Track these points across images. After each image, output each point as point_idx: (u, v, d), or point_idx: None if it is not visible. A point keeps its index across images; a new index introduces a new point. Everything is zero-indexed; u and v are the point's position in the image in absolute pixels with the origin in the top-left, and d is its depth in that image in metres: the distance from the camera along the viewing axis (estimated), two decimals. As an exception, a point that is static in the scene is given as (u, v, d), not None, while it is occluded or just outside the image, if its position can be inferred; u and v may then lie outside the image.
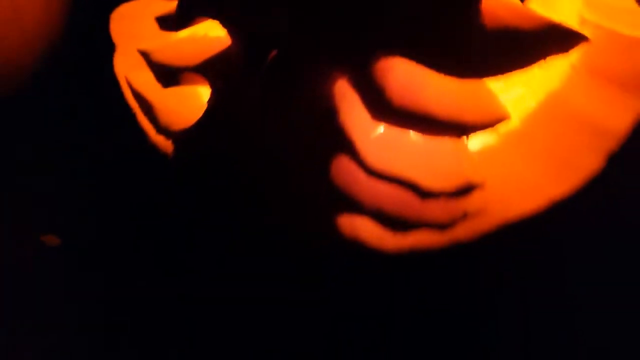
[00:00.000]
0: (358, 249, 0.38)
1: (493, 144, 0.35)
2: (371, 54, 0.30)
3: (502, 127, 0.33)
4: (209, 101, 0.36)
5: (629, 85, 0.36)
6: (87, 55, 0.55)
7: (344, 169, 0.34)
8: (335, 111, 0.32)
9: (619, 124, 0.36)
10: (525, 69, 0.29)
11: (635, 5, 0.32)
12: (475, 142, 0.35)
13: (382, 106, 0.30)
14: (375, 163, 0.33)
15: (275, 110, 0.34)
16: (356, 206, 0.35)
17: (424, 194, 0.33)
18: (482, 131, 0.31)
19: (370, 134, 0.33)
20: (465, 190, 0.33)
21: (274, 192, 0.37)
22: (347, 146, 0.33)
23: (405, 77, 0.30)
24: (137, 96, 0.42)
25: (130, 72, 0.43)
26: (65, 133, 0.54)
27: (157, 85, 0.41)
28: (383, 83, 0.30)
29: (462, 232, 0.36)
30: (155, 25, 0.41)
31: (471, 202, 0.34)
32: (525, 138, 0.36)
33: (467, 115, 0.31)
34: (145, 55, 0.39)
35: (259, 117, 0.35)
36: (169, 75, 0.37)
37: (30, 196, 0.50)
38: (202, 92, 0.41)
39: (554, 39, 0.29)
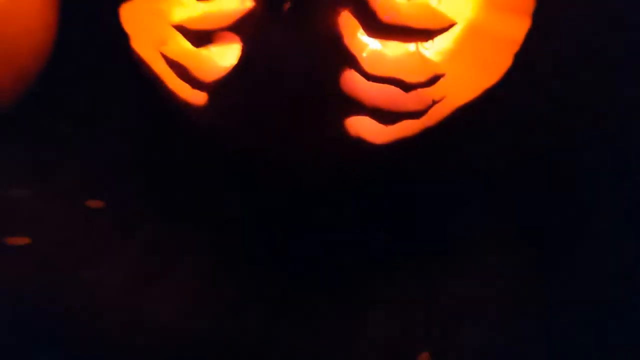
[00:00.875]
0: (360, 144, 0.52)
1: (444, 50, 0.51)
2: None
3: (448, 37, 0.49)
4: (242, 50, 0.50)
5: (518, 8, 0.54)
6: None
7: (349, 79, 0.49)
8: (340, 36, 0.47)
9: (517, 35, 0.54)
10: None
11: None
12: (432, 49, 0.51)
13: (375, 25, 0.46)
14: (372, 71, 0.48)
15: (295, 45, 0.49)
16: (359, 106, 0.50)
17: (407, 87, 0.48)
18: (438, 36, 0.47)
19: (366, 51, 0.48)
20: (434, 79, 0.49)
21: (297, 109, 0.51)
22: (351, 61, 0.48)
23: (389, 4, 0.46)
24: (172, 63, 0.54)
25: (159, 48, 0.55)
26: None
27: (189, 51, 0.54)
28: (376, 9, 0.46)
29: (430, 118, 0.52)
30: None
31: (436, 91, 0.50)
32: (462, 47, 0.53)
33: (431, 23, 0.47)
34: (180, 27, 0.52)
35: (282, 54, 0.49)
36: (204, 37, 0.51)
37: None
38: (226, 51, 0.54)
39: None
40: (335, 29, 0.46)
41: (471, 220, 0.55)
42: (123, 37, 0.57)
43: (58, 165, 0.58)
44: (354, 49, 0.47)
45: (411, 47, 0.50)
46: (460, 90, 0.51)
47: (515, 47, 0.52)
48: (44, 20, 0.60)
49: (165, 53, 0.54)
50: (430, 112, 0.50)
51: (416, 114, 0.50)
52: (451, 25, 0.46)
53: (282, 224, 0.55)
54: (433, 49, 0.51)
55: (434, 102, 0.50)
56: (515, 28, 0.52)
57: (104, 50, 0.64)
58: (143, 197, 0.56)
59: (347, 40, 0.47)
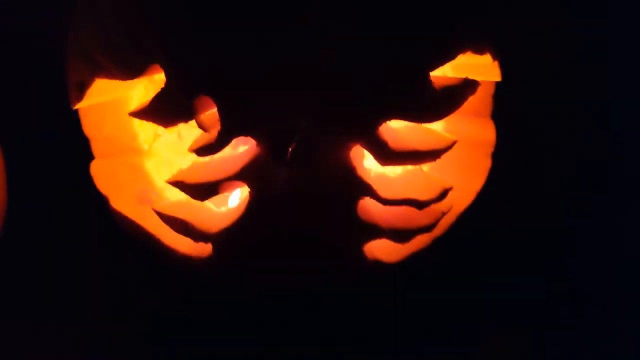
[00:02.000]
0: (377, 266, 0.53)
1: (434, 164, 0.54)
2: (374, 125, 0.47)
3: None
4: (251, 196, 0.49)
5: (483, 112, 0.58)
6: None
7: (365, 207, 0.50)
8: (353, 169, 0.48)
9: (489, 136, 0.58)
10: (454, 111, 0.49)
11: (490, 59, 0.53)
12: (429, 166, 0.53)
13: (388, 154, 0.47)
14: (386, 195, 0.49)
15: (304, 184, 0.49)
16: (376, 230, 0.50)
17: (420, 205, 0.50)
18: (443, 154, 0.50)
19: (374, 173, 0.49)
20: (444, 194, 0.50)
21: (314, 246, 0.50)
22: (365, 190, 0.49)
23: (395, 133, 0.48)
24: (168, 219, 0.52)
25: (152, 205, 0.53)
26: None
27: (184, 204, 0.52)
28: (386, 139, 0.47)
29: (439, 229, 0.54)
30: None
31: (444, 203, 0.52)
32: (448, 158, 0.55)
33: (435, 145, 0.49)
34: (177, 183, 0.50)
35: (292, 195, 0.49)
36: (210, 189, 0.49)
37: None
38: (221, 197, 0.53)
39: (465, 88, 0.49)
40: (347, 163, 0.47)
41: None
42: (99, 198, 0.54)
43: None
44: (366, 178, 0.48)
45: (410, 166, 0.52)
46: (459, 197, 0.53)
47: (489, 148, 0.56)
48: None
49: (159, 210, 0.51)
50: (439, 223, 0.52)
51: (428, 228, 0.51)
52: (454, 143, 0.49)
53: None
54: (426, 166, 0.53)
55: (443, 214, 0.51)
56: (483, 131, 0.56)
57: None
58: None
59: (360, 171, 0.47)
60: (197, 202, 0.51)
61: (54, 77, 0.54)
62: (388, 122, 0.46)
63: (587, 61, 0.66)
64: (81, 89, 0.51)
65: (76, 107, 0.53)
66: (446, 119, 0.51)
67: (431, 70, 0.45)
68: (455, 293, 0.57)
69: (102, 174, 0.52)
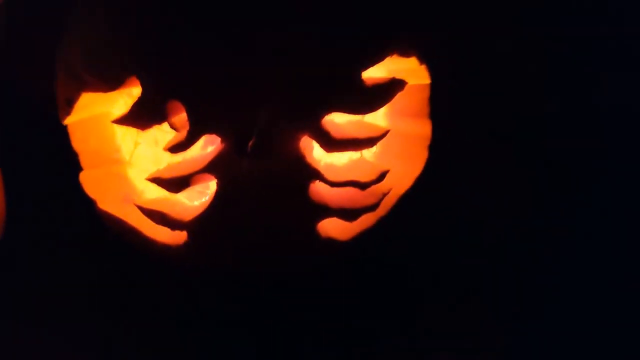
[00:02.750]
0: (330, 243, 0.61)
1: (376, 153, 0.63)
2: (317, 117, 0.56)
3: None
4: (218, 186, 0.58)
5: (420, 113, 0.68)
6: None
7: (316, 189, 0.59)
8: (303, 156, 0.57)
9: (424, 132, 0.67)
10: (384, 105, 0.58)
11: (417, 63, 0.63)
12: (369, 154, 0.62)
13: (331, 142, 0.56)
14: (333, 179, 0.58)
15: (264, 172, 0.58)
16: (327, 210, 0.59)
17: (363, 186, 0.59)
18: (379, 142, 0.59)
19: (324, 163, 0.58)
20: (382, 176, 0.60)
21: (273, 227, 0.59)
22: (315, 174, 0.58)
23: (337, 126, 0.57)
24: (149, 212, 0.60)
25: (130, 203, 0.61)
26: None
27: (160, 199, 0.61)
28: (328, 129, 0.57)
29: (383, 209, 0.63)
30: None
31: (385, 185, 0.61)
32: (389, 149, 0.65)
33: (372, 132, 0.59)
34: (155, 179, 0.59)
35: (254, 183, 0.58)
36: (182, 182, 0.58)
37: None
38: (193, 192, 0.62)
39: (393, 86, 0.59)
40: (298, 151, 0.56)
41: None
42: (87, 202, 0.63)
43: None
44: (315, 165, 0.57)
45: (355, 155, 0.61)
46: (399, 181, 0.62)
47: (426, 142, 0.65)
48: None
49: (141, 204, 0.60)
50: (382, 204, 0.61)
51: (372, 207, 0.60)
52: (387, 132, 0.58)
53: (265, 330, 0.60)
54: (370, 155, 0.62)
55: (384, 195, 0.60)
56: (421, 129, 0.65)
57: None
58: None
59: (309, 159, 0.56)
60: (173, 197, 0.59)
61: (48, 97, 0.63)
62: (331, 116, 0.55)
63: (518, 65, 0.76)
64: (69, 104, 0.59)
65: (65, 122, 0.61)
66: (390, 118, 0.60)
67: (363, 70, 0.55)
68: (400, 269, 0.65)
69: (89, 181, 0.59)
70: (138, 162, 0.59)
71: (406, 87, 0.60)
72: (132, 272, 0.63)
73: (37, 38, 0.67)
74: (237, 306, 0.61)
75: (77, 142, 0.61)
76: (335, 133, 0.55)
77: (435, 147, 0.64)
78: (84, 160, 0.59)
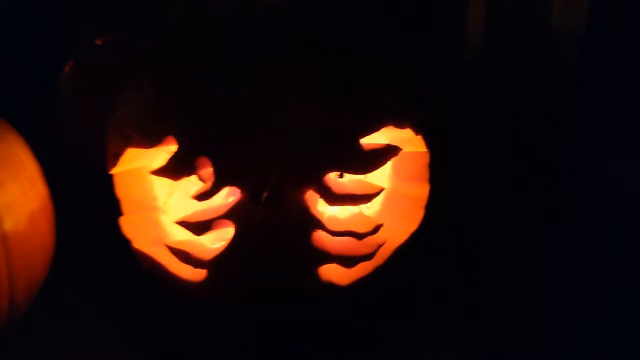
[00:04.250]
0: (330, 287, 0.70)
1: (376, 210, 0.73)
2: (320, 175, 0.67)
3: (377, 201, 0.71)
4: (236, 230, 0.68)
5: (418, 177, 0.77)
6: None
7: (318, 237, 0.68)
8: (308, 207, 0.67)
9: (422, 194, 0.77)
10: (379, 167, 0.69)
11: (413, 134, 0.73)
12: (369, 211, 0.72)
13: (332, 196, 0.67)
14: (334, 228, 0.68)
15: (274, 220, 0.68)
16: (327, 256, 0.68)
17: (360, 236, 0.68)
18: (374, 198, 0.69)
19: (324, 217, 0.68)
20: (377, 228, 0.69)
21: (281, 268, 0.68)
22: (317, 224, 0.68)
23: (338, 183, 0.68)
24: (175, 251, 0.71)
25: (160, 243, 0.72)
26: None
27: (186, 240, 0.71)
28: (330, 186, 0.67)
29: (378, 259, 0.72)
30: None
31: (379, 237, 0.71)
32: (387, 207, 0.75)
33: (369, 190, 0.69)
34: (182, 222, 0.70)
35: (266, 229, 0.68)
36: (205, 226, 0.69)
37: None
38: (214, 237, 0.72)
39: (387, 151, 0.69)
40: (303, 203, 0.66)
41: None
42: (124, 242, 0.74)
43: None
44: (318, 216, 0.67)
45: (355, 209, 0.71)
46: (394, 235, 0.71)
47: (423, 202, 0.75)
48: (50, 234, 0.70)
49: (169, 244, 0.71)
50: (377, 254, 0.70)
51: (368, 257, 0.69)
52: (381, 190, 0.68)
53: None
54: (370, 210, 0.72)
55: (380, 246, 0.69)
56: (419, 191, 0.75)
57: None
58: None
59: (313, 210, 0.66)
60: (197, 240, 0.70)
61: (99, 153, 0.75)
62: (332, 174, 0.66)
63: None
64: (116, 157, 0.72)
65: (111, 172, 0.73)
66: (393, 180, 0.70)
67: (361, 138, 0.66)
68: (395, 314, 0.71)
69: (127, 224, 0.68)
70: (170, 209, 0.65)
71: (408, 154, 0.70)
72: (157, 305, 0.70)
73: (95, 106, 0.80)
74: (245, 339, 0.69)
75: (121, 190, 0.70)
76: (337, 189, 0.65)
77: (431, 206, 0.73)
78: (125, 206, 0.67)
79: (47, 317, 0.70)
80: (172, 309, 0.67)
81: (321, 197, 0.64)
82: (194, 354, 0.67)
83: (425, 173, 0.71)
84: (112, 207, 0.66)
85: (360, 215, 0.68)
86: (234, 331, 0.70)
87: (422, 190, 0.71)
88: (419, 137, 0.69)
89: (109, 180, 0.71)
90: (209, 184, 0.64)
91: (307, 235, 0.65)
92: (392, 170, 0.71)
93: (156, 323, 0.67)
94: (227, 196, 0.69)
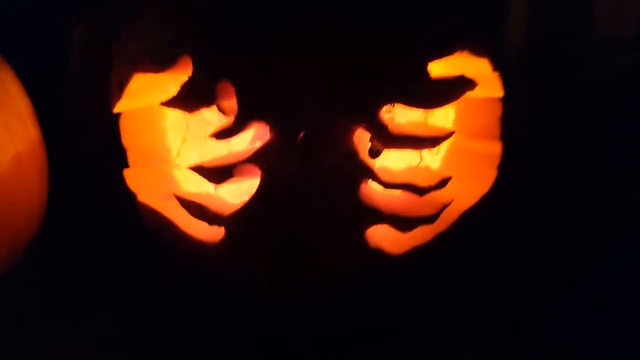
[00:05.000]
0: (378, 255, 0.55)
1: (437, 168, 0.57)
2: (374, 108, 0.52)
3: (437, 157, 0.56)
4: (262, 179, 0.54)
5: (488, 132, 0.62)
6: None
7: (367, 191, 0.53)
8: (356, 152, 0.52)
9: (495, 151, 0.61)
10: (448, 103, 0.53)
11: (489, 68, 0.58)
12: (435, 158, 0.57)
13: (386, 135, 0.52)
14: (389, 179, 0.53)
15: (312, 168, 0.53)
16: (378, 215, 0.53)
17: (421, 191, 0.53)
18: (441, 144, 0.54)
19: (380, 167, 0.53)
20: (443, 182, 0.54)
21: (319, 229, 0.54)
22: (368, 172, 0.53)
23: (395, 123, 0.52)
24: (187, 204, 0.57)
25: (170, 196, 0.58)
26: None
27: (200, 193, 0.57)
28: (386, 122, 0.52)
29: (441, 223, 0.57)
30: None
31: (445, 194, 0.55)
32: (452, 163, 0.59)
33: (434, 132, 0.53)
34: (197, 168, 0.56)
35: (301, 179, 0.53)
36: (225, 172, 0.54)
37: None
38: (235, 189, 0.58)
39: (461, 83, 0.54)
40: (351, 146, 0.51)
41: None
42: (128, 195, 0.59)
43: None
44: (369, 162, 0.52)
45: (415, 160, 0.56)
46: (462, 196, 0.56)
47: (495, 161, 0.59)
48: (40, 184, 0.60)
49: (180, 195, 0.56)
50: (440, 217, 0.55)
51: (430, 219, 0.54)
52: (451, 133, 0.53)
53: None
54: (431, 162, 0.56)
55: (444, 207, 0.54)
56: (490, 148, 0.59)
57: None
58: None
59: (362, 155, 0.51)
60: (214, 193, 0.56)
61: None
62: (389, 112, 0.51)
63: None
64: (121, 87, 0.58)
65: (117, 109, 0.59)
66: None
67: (430, 61, 0.51)
68: (455, 292, 0.58)
69: (132, 176, 0.56)
70: (184, 161, 0.56)
71: (478, 101, 0.55)
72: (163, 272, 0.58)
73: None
74: (269, 318, 0.55)
75: (127, 138, 0.59)
76: (393, 128, 0.50)
77: (506, 167, 0.57)
78: (132, 157, 0.56)
79: (41, 280, 0.61)
80: (181, 279, 0.58)
81: (375, 136, 0.49)
82: (200, 334, 0.53)
83: (496, 128, 0.57)
84: (117, 158, 0.57)
85: (422, 168, 0.52)
86: (253, 313, 0.55)
87: (493, 148, 0.57)
88: (496, 75, 0.53)
89: (114, 125, 0.58)
90: (231, 119, 0.50)
91: (354, 187, 0.50)
92: (457, 119, 0.57)
93: (162, 293, 0.58)
94: (254, 140, 0.54)
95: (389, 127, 0.50)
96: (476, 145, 0.57)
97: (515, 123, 0.59)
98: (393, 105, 0.49)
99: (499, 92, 0.55)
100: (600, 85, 0.70)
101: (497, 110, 0.56)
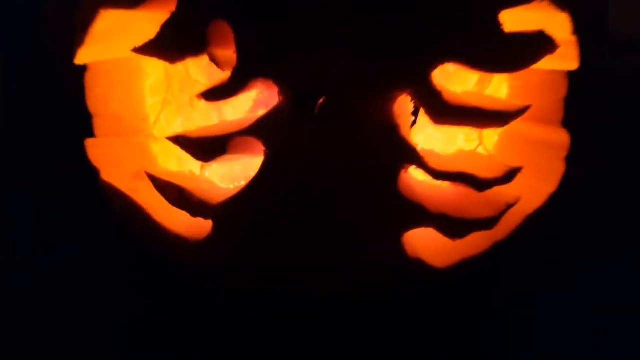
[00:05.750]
0: (417, 267, 0.41)
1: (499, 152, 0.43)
2: (426, 69, 0.37)
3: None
4: (266, 157, 0.39)
5: (548, 118, 0.47)
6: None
7: (408, 180, 0.39)
8: (396, 127, 0.38)
9: (563, 140, 0.47)
10: (526, 67, 0.39)
11: (569, 29, 0.43)
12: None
13: (440, 106, 0.37)
14: (438, 166, 0.38)
15: (333, 145, 0.39)
16: (421, 214, 0.39)
17: (481, 184, 0.39)
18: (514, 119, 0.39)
19: (423, 150, 0.39)
20: (511, 174, 0.39)
21: (340, 227, 0.39)
22: (410, 156, 0.38)
23: (451, 92, 0.38)
24: (164, 186, 0.42)
25: (147, 170, 0.44)
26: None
27: (182, 174, 0.43)
28: (440, 89, 0.37)
29: (501, 229, 0.42)
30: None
31: (512, 192, 0.41)
32: (510, 152, 0.45)
33: (506, 106, 0.39)
34: (179, 138, 0.41)
35: (319, 158, 0.39)
36: (216, 146, 0.40)
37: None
38: (227, 172, 0.44)
39: (541, 42, 0.39)
40: (390, 118, 0.37)
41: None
42: (91, 172, 0.45)
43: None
44: (413, 142, 0.37)
45: (467, 146, 0.42)
46: (528, 198, 0.42)
47: (563, 152, 0.44)
48: None
49: (155, 174, 0.42)
50: (502, 220, 0.40)
51: (488, 222, 0.40)
52: (527, 108, 0.38)
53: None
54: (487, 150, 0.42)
55: (509, 207, 0.40)
56: (556, 135, 0.45)
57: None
58: None
59: (404, 132, 0.37)
60: (197, 176, 0.41)
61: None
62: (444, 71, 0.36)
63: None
64: (84, 27, 0.43)
65: (79, 58, 0.44)
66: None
67: (501, 10, 0.36)
68: (515, 319, 0.44)
69: (98, 148, 0.45)
70: (163, 130, 0.44)
71: (538, 77, 0.43)
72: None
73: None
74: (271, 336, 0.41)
75: (95, 100, 0.45)
76: (451, 97, 0.36)
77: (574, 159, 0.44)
78: (99, 124, 0.45)
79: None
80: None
81: (424, 107, 0.34)
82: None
83: (557, 111, 0.44)
84: (81, 124, 0.44)
85: (478, 154, 0.38)
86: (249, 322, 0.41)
87: (559, 136, 0.45)
88: (574, 40, 0.41)
89: (77, 82, 0.45)
90: (227, 74, 0.35)
91: (392, 174, 0.36)
92: (511, 96, 0.44)
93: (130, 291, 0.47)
94: (256, 106, 0.41)
95: (445, 95, 0.35)
96: (537, 131, 0.43)
97: (585, 107, 0.43)
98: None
99: (572, 63, 0.41)
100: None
101: (562, 89, 0.43)
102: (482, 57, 0.36)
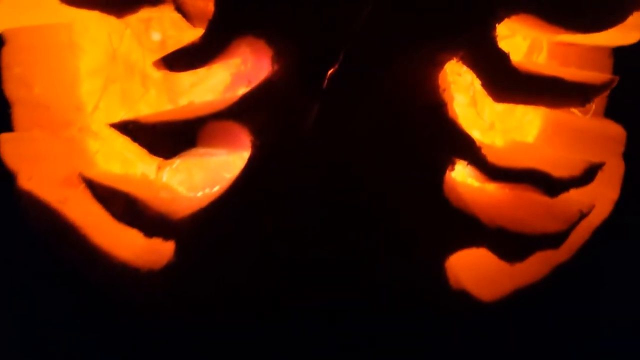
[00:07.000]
0: (463, 301, 0.30)
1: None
2: (484, 26, 0.27)
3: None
4: (254, 147, 0.28)
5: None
6: None
7: (454, 182, 0.28)
8: (441, 105, 0.27)
9: (617, 132, 0.38)
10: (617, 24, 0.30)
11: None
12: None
13: (504, 76, 0.27)
14: (499, 161, 0.28)
15: (351, 132, 0.28)
16: (476, 229, 0.28)
17: (554, 186, 0.29)
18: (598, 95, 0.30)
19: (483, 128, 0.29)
20: (592, 171, 0.29)
21: (358, 243, 0.28)
22: (462, 146, 0.28)
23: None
24: (106, 195, 0.30)
25: (83, 174, 0.32)
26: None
27: (142, 179, 0.32)
28: (504, 53, 0.27)
29: (565, 249, 0.32)
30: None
31: (585, 198, 0.31)
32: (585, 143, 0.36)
33: (588, 77, 0.29)
34: (127, 124, 0.29)
35: (329, 149, 0.28)
36: (180, 134, 0.28)
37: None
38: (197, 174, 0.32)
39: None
40: (433, 94, 0.26)
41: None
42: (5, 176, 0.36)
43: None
44: (465, 129, 0.27)
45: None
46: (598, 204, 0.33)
47: (620, 148, 0.36)
48: None
49: (92, 178, 0.30)
50: (570, 237, 0.31)
51: (556, 239, 0.29)
52: (613, 81, 0.28)
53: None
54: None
55: (582, 216, 0.30)
56: (608, 128, 0.36)
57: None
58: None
59: (452, 113, 0.26)
60: (156, 180, 0.31)
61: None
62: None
63: None
64: None
65: None
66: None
67: None
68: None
69: (16, 146, 0.36)
70: (104, 118, 0.35)
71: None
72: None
73: None
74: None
75: (12, 84, 0.37)
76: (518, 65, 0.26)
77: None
78: (18, 116, 0.37)
79: None
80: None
81: (480, 77, 0.24)
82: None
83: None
84: None
85: (541, 147, 0.29)
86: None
87: (613, 128, 0.36)
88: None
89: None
90: (199, 31, 0.24)
91: (437, 173, 0.25)
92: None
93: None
94: (234, 84, 0.32)
95: (511, 59, 0.24)
96: (584, 121, 0.34)
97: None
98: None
99: (631, 35, 0.32)
100: None
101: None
102: (557, 11, 0.26)
